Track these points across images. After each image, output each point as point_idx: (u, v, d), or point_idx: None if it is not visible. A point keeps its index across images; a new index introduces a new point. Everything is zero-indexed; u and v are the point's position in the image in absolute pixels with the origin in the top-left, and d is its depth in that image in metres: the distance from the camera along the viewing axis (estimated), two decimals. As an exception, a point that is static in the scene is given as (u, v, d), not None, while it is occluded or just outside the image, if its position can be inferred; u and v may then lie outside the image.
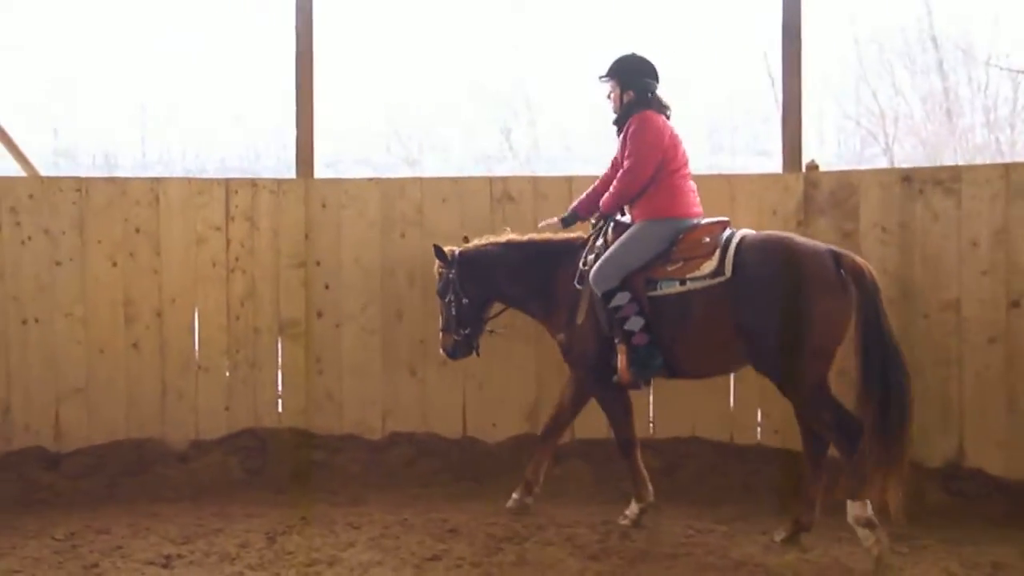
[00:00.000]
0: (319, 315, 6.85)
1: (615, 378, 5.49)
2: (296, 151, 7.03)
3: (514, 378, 6.67)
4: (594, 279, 5.45)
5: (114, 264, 6.63)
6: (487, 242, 6.06)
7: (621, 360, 5.41)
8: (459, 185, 6.85)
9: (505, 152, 14.94)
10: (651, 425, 6.51)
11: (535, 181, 6.77)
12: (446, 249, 6.06)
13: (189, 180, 6.93)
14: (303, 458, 6.58)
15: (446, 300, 6.04)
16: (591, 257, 5.58)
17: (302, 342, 6.85)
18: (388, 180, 7.09)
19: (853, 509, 4.84)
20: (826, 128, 15.02)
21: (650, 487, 5.68)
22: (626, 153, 5.58)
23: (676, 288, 5.30)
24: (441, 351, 6.16)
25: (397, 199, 6.83)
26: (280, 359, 6.86)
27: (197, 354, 6.76)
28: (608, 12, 13.81)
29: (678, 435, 6.48)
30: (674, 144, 5.60)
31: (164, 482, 6.45)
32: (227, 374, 6.81)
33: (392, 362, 6.82)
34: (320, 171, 7.12)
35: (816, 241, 5.34)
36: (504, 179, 6.86)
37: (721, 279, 5.17)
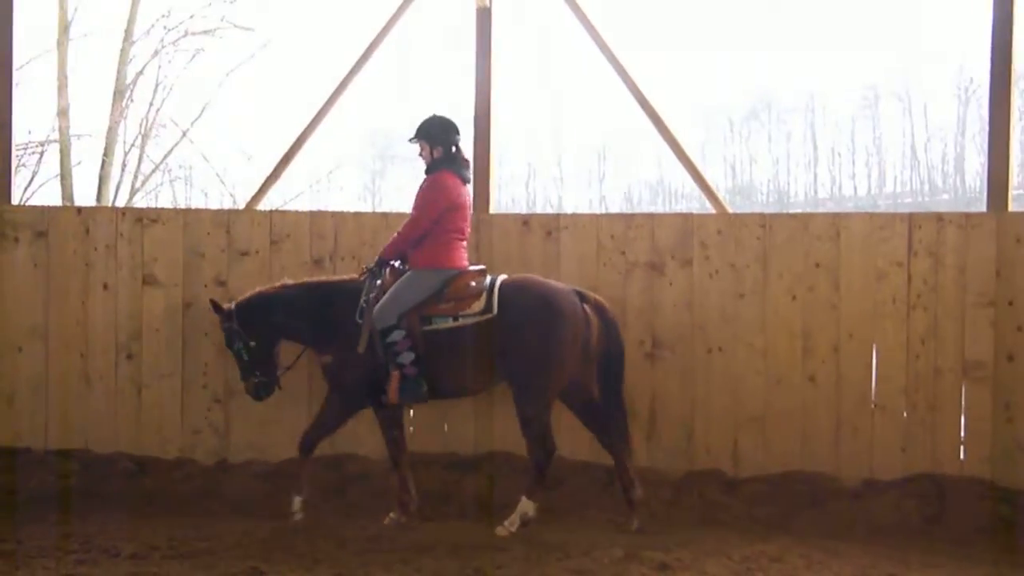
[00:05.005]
0: (1010, 358, 6.36)
1: (384, 399, 6.31)
2: (988, 184, 6.64)
3: None
4: (376, 317, 6.19)
5: (794, 298, 6.75)
6: (260, 289, 6.59)
7: (393, 385, 6.21)
8: None
9: None
10: None
11: None
12: (223, 305, 6.54)
13: (871, 215, 6.85)
14: (987, 511, 6.12)
15: (235, 349, 6.51)
16: (372, 296, 6.25)
17: (989, 386, 6.41)
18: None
19: (524, 506, 6.14)
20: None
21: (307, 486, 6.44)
22: (414, 206, 6.38)
23: (449, 324, 6.20)
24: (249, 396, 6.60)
25: (1106, 233, 6.11)
26: (963, 403, 6.47)
27: (874, 391, 6.63)
28: None
29: None
30: (459, 206, 6.35)
31: (837, 518, 6.38)
32: (904, 414, 6.58)
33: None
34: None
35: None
36: None
37: (489, 315, 6.13)
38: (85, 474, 7.01)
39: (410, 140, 6.50)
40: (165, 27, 16.24)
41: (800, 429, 6.73)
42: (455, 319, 6.24)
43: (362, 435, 7.10)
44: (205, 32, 16.49)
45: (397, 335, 6.19)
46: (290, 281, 6.66)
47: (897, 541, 5.98)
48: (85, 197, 16.07)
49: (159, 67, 16.54)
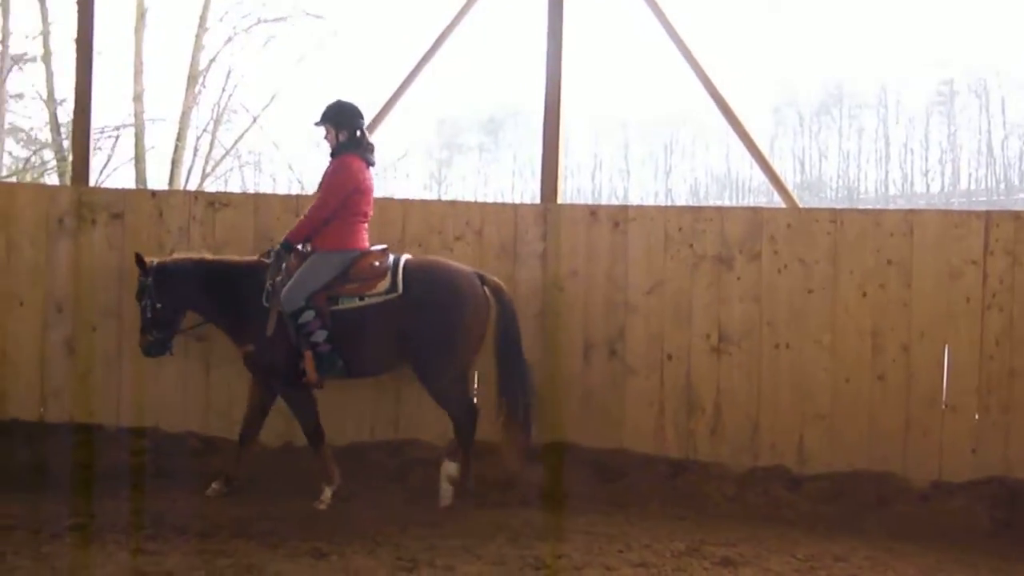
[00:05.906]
0: (1087, 361, 6.19)
1: (304, 379, 6.38)
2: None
3: None
4: (284, 301, 6.28)
5: (864, 295, 6.66)
6: (184, 257, 6.70)
7: (308, 365, 6.32)
8: None
9: None
10: None
11: None
12: (146, 259, 6.59)
13: (946, 212, 6.73)
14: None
15: (142, 304, 6.56)
16: (278, 279, 6.33)
17: (1064, 389, 6.26)
18: None
19: (448, 468, 6.44)
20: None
21: (337, 470, 6.52)
22: (319, 189, 6.48)
23: (356, 303, 6.32)
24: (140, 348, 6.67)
25: None
26: (1040, 405, 6.33)
27: (945, 392, 6.52)
28: None
29: None
30: (364, 190, 6.45)
31: (903, 519, 6.29)
32: (976, 416, 6.46)
33: None
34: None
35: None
36: None
37: (395, 295, 6.24)
38: (155, 452, 7.14)
39: (315, 124, 6.60)
40: (238, 14, 16.50)
41: (868, 428, 6.64)
42: (361, 299, 6.36)
43: (425, 421, 7.14)
44: (277, 19, 16.70)
45: (308, 316, 6.30)
46: (209, 256, 6.78)
47: (966, 545, 5.88)
48: (157, 180, 16.37)
49: (231, 54, 16.80)
